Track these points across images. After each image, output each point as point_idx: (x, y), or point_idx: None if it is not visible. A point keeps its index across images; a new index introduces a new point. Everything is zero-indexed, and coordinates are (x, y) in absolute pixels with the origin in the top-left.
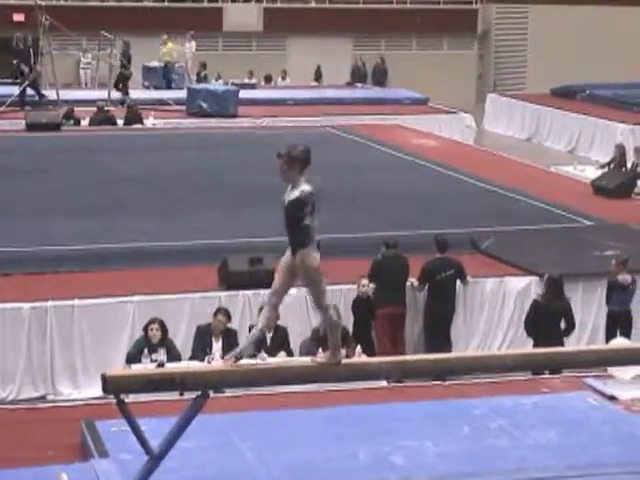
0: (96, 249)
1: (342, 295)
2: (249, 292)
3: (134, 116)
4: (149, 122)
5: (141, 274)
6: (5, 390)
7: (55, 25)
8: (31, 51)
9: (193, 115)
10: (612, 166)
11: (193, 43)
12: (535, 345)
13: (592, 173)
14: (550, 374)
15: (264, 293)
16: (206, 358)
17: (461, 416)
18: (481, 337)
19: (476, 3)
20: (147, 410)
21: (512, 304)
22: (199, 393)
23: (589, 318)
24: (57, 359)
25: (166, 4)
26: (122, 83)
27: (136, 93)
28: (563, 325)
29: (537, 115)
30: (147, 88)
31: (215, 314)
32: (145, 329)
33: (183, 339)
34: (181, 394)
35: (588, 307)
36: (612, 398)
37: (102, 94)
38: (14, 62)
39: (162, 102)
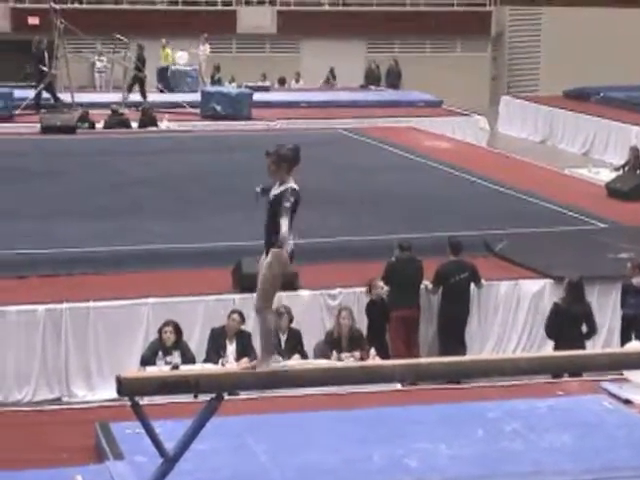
0: (111, 251)
1: (356, 298)
2: None
3: (148, 119)
4: (163, 125)
5: (155, 276)
6: (21, 392)
7: (70, 28)
8: (46, 54)
9: (207, 118)
10: (627, 168)
11: (207, 46)
12: (556, 348)
13: (606, 175)
14: (569, 377)
15: (278, 295)
16: (220, 360)
17: (475, 419)
18: (495, 340)
19: (489, 5)
20: (162, 412)
21: (526, 307)
22: (213, 395)
23: (604, 321)
24: (72, 361)
25: (180, 7)
26: (139, 87)
27: (150, 96)
28: (585, 329)
29: (551, 117)
30: (161, 91)
31: (229, 316)
32: (159, 331)
33: (197, 341)
34: (195, 396)
35: (603, 310)
36: (627, 402)
37: (116, 97)
38: (27, 66)
39: (176, 105)
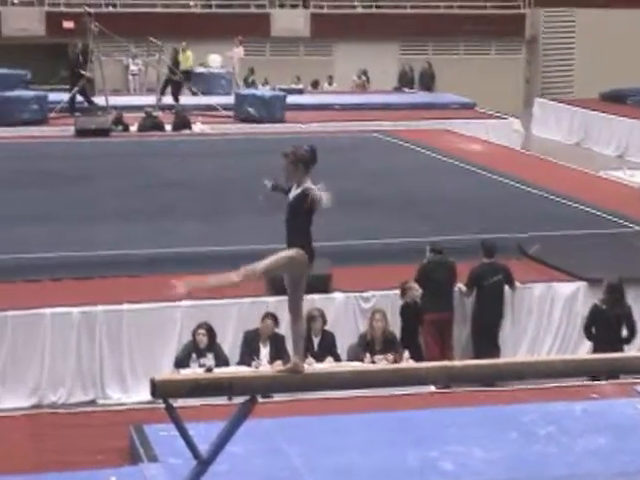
0: (144, 254)
1: (389, 300)
2: None
3: (182, 121)
4: (197, 128)
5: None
6: (55, 394)
7: (104, 32)
8: (80, 58)
9: (241, 120)
10: None
11: (241, 48)
12: (595, 350)
13: None
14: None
15: (312, 298)
16: (253, 363)
17: (509, 422)
18: (529, 343)
19: (524, 7)
20: (195, 415)
21: (560, 309)
22: (247, 398)
23: (639, 325)
24: (106, 363)
25: (214, 10)
26: (173, 90)
27: (184, 99)
28: (625, 332)
29: (585, 120)
30: (195, 94)
31: (263, 319)
32: (193, 334)
33: (231, 344)
34: (229, 399)
35: (637, 313)
36: None
37: (150, 100)
38: (62, 70)
39: (210, 108)
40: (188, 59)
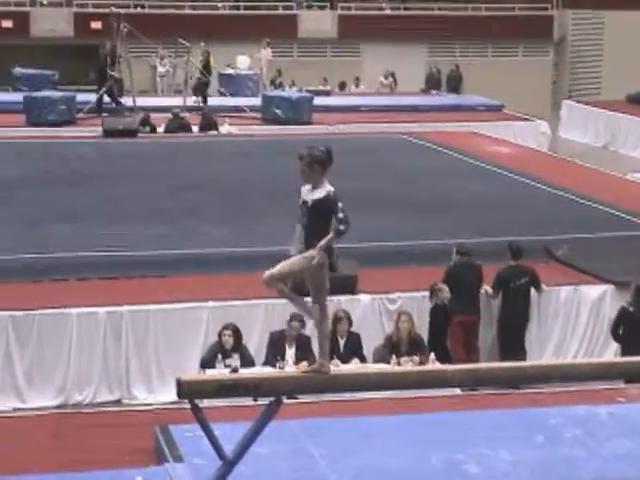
0: (171, 255)
1: (415, 302)
2: None
3: (209, 123)
4: (224, 129)
5: (215, 279)
6: (81, 394)
7: (132, 32)
8: (108, 59)
9: (268, 122)
10: None
11: (269, 50)
12: (623, 353)
13: None
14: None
15: (338, 299)
16: (279, 364)
17: (535, 425)
18: (555, 345)
19: (552, 9)
20: (221, 415)
21: (587, 312)
22: (272, 399)
23: None
24: (132, 363)
25: (242, 11)
26: (201, 91)
27: (211, 100)
28: None
29: (613, 122)
30: (223, 95)
31: (289, 320)
32: (219, 335)
33: (256, 345)
34: (255, 400)
35: None
36: None
37: (178, 101)
38: (90, 70)
39: (237, 109)
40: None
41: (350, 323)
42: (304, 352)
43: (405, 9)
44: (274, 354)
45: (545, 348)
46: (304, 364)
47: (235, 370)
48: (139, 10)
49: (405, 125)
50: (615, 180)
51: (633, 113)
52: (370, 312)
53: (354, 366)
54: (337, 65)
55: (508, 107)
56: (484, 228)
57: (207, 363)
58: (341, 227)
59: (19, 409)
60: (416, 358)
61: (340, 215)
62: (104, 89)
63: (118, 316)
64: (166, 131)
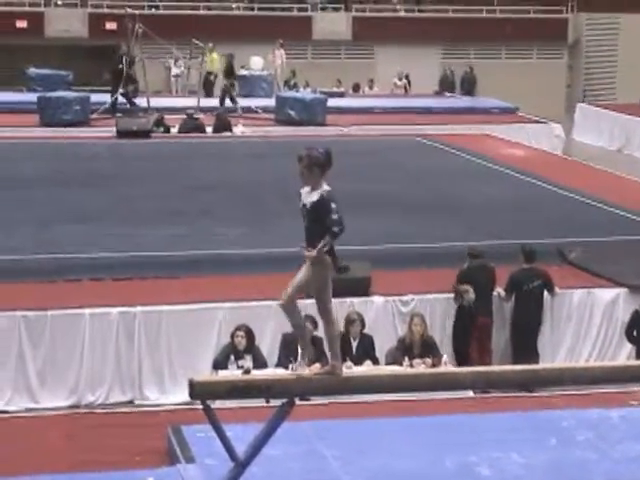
0: (183, 255)
1: (428, 304)
2: (335, 300)
3: (223, 124)
4: (238, 130)
5: (228, 281)
6: (94, 394)
7: (147, 33)
8: (123, 59)
9: (281, 123)
10: None
11: (282, 51)
12: (638, 356)
13: None
14: None
15: (351, 301)
16: (291, 366)
17: (548, 428)
18: (568, 348)
19: (567, 12)
20: (233, 416)
21: (600, 316)
22: (285, 400)
23: None
24: (145, 364)
25: (256, 12)
26: (222, 94)
27: (225, 101)
28: None
29: (627, 125)
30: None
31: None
32: (232, 336)
33: (269, 346)
34: (267, 401)
35: None
36: None
37: (192, 102)
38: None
39: (251, 110)
40: (214, 61)
41: (363, 325)
42: (317, 354)
43: (419, 11)
44: (287, 355)
45: (558, 351)
46: (316, 366)
47: (247, 371)
48: (153, 11)
49: (419, 127)
50: (629, 183)
51: None
52: (383, 314)
53: (366, 368)
54: (351, 67)
55: (522, 110)
56: (497, 230)
57: (219, 364)
58: (334, 229)
59: (32, 409)
60: (428, 360)
61: (334, 216)
62: (121, 90)
63: (131, 317)
64: (180, 132)
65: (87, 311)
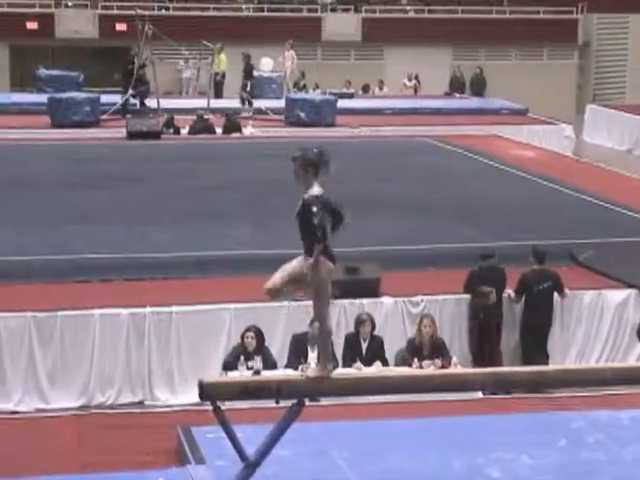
0: (194, 256)
1: (438, 305)
2: (345, 301)
3: (233, 125)
4: (247, 131)
5: (238, 281)
6: (104, 395)
7: (157, 34)
8: (134, 60)
9: (291, 124)
10: None
11: (292, 52)
12: None
13: None
14: None
15: (360, 302)
16: (301, 367)
17: (557, 429)
18: (578, 350)
19: (577, 13)
20: (243, 417)
21: (610, 317)
22: (295, 401)
23: None
24: (154, 365)
25: (265, 13)
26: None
27: (235, 102)
28: None
29: (637, 126)
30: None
31: (311, 323)
32: (241, 337)
33: (279, 347)
34: (277, 402)
35: None
36: None
37: (202, 103)
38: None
39: (261, 111)
40: (222, 62)
41: (373, 326)
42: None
43: (429, 12)
44: (297, 356)
45: (568, 352)
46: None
47: (257, 372)
48: (163, 12)
49: (428, 128)
50: (639, 184)
51: None
52: (392, 315)
53: (376, 369)
54: (361, 68)
55: (532, 111)
56: (507, 231)
57: (229, 365)
58: (318, 233)
59: (42, 410)
60: (438, 362)
61: (315, 221)
62: (131, 91)
63: (141, 317)
64: (190, 133)
65: (97, 312)
